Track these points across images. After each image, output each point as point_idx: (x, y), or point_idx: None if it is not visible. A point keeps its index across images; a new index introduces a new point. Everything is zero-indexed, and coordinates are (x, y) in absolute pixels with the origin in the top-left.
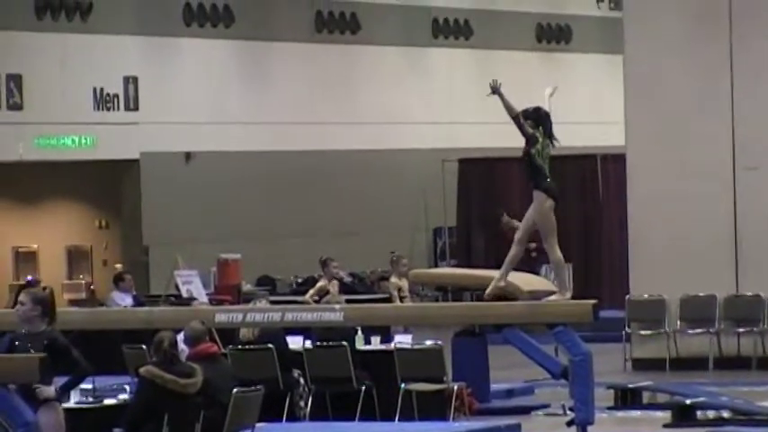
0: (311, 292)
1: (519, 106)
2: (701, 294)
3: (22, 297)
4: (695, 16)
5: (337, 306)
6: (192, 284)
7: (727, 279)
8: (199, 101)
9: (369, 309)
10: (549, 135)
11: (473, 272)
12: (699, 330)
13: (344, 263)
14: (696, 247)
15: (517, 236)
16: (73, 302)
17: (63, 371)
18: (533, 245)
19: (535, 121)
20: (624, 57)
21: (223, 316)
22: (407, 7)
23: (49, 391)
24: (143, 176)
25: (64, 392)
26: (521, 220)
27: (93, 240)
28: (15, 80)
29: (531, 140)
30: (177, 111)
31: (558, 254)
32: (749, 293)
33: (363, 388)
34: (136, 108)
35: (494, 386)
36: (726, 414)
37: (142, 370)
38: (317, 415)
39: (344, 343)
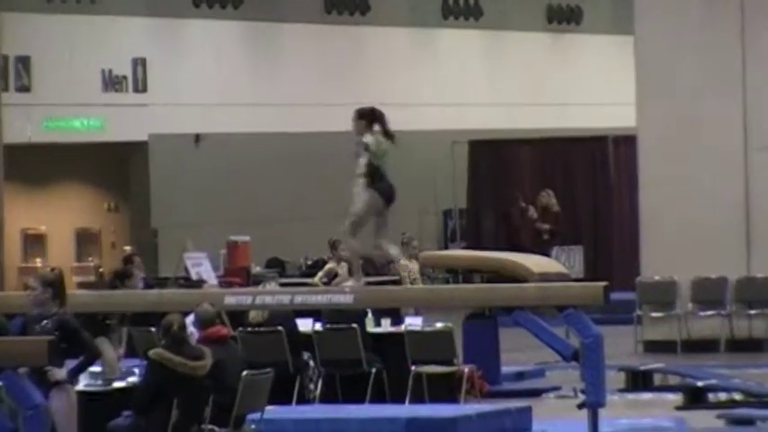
0: (320, 274)
1: (530, 87)
2: (712, 276)
3: (31, 282)
4: None
5: (347, 288)
6: (202, 267)
7: (738, 261)
8: (208, 82)
9: (379, 291)
10: (385, 132)
11: (483, 254)
12: (710, 312)
13: None
14: (707, 229)
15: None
16: (81, 285)
17: (74, 353)
18: (546, 226)
19: (369, 120)
20: (635, 38)
21: (232, 298)
22: None
23: (61, 373)
24: (152, 158)
25: (74, 375)
26: (534, 204)
27: (101, 223)
28: (23, 62)
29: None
30: (186, 92)
31: (355, 243)
32: (761, 275)
33: (374, 370)
34: (144, 90)
35: (504, 369)
36: (737, 396)
37: (151, 353)
38: (327, 398)
39: (354, 325)
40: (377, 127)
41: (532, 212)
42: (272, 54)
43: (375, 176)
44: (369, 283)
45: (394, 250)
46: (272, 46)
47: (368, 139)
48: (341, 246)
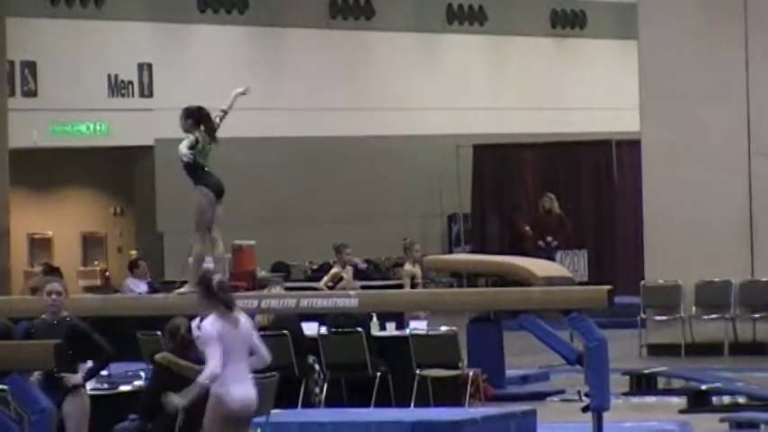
0: (325, 278)
1: (534, 91)
2: (716, 280)
3: (55, 287)
4: (709, 1)
5: (352, 292)
6: None
7: (742, 264)
8: (213, 87)
9: (384, 295)
10: (209, 133)
11: (488, 258)
12: (714, 316)
13: (360, 249)
14: (711, 233)
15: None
16: (88, 289)
17: (86, 357)
18: (550, 239)
19: (196, 119)
20: (639, 42)
21: (238, 302)
22: None
23: (77, 378)
24: (157, 163)
25: (89, 378)
26: (536, 208)
27: (107, 227)
28: (30, 67)
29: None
30: (191, 97)
31: (199, 248)
32: (764, 279)
33: (379, 374)
34: (150, 95)
35: (509, 372)
36: (741, 399)
37: (158, 357)
38: (333, 401)
39: (359, 329)
40: (202, 127)
41: (528, 230)
42: (278, 59)
43: (200, 173)
44: (368, 287)
45: (219, 248)
46: (278, 51)
47: (196, 134)
48: (345, 250)
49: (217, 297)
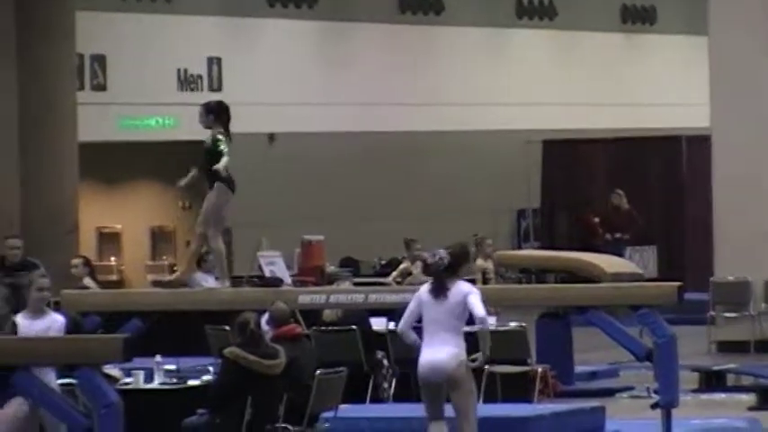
0: (394, 273)
1: (604, 86)
2: None
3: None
4: None
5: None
6: (276, 266)
7: None
8: (282, 82)
9: None
10: (226, 130)
11: (557, 254)
12: None
13: (428, 244)
14: None
15: (198, 230)
16: (156, 283)
17: None
18: (619, 235)
19: (217, 115)
20: (709, 38)
21: (306, 297)
22: None
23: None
24: None
25: None
26: (605, 204)
27: (176, 221)
28: (99, 61)
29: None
30: (260, 92)
31: (219, 245)
32: None
33: None
34: (219, 89)
35: (578, 368)
36: None
37: (226, 351)
38: (401, 396)
39: None
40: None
41: (598, 225)
42: (347, 53)
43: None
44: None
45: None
46: (347, 45)
47: (217, 130)
48: (414, 245)
49: (428, 271)
